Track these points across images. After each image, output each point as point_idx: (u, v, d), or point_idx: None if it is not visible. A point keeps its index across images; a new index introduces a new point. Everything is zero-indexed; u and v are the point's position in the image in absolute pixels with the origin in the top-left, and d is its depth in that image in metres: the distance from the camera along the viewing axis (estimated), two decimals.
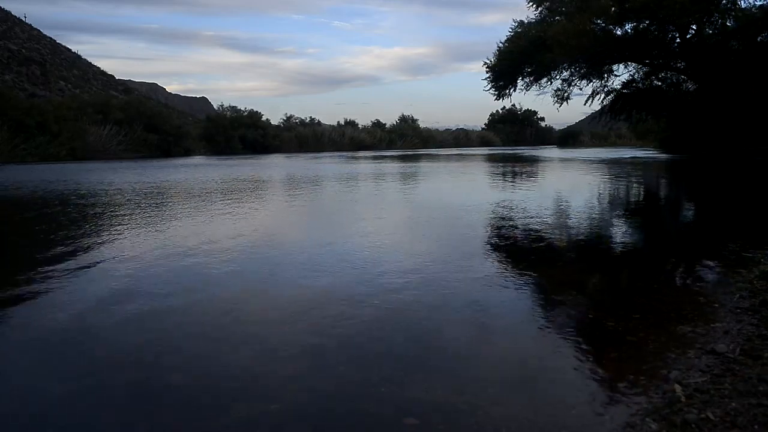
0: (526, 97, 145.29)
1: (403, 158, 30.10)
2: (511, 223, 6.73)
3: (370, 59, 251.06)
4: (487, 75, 30.18)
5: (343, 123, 58.93)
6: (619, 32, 24.95)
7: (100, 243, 5.45)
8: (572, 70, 27.93)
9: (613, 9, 22.83)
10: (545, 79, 29.04)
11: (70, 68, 65.40)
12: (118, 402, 2.14)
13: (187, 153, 40.07)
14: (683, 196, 10.88)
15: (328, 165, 23.06)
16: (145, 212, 7.77)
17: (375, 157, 31.49)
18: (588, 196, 10.17)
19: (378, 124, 62.14)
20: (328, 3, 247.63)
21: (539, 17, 27.54)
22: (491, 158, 27.99)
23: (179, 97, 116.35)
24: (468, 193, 11.00)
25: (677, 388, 2.09)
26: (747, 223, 6.63)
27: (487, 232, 6.15)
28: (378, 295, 3.46)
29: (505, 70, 29.10)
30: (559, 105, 29.84)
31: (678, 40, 25.57)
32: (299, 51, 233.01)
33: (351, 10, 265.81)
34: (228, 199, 9.51)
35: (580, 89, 29.96)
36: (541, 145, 65.83)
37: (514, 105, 71.89)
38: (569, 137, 64.37)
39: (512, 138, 71.26)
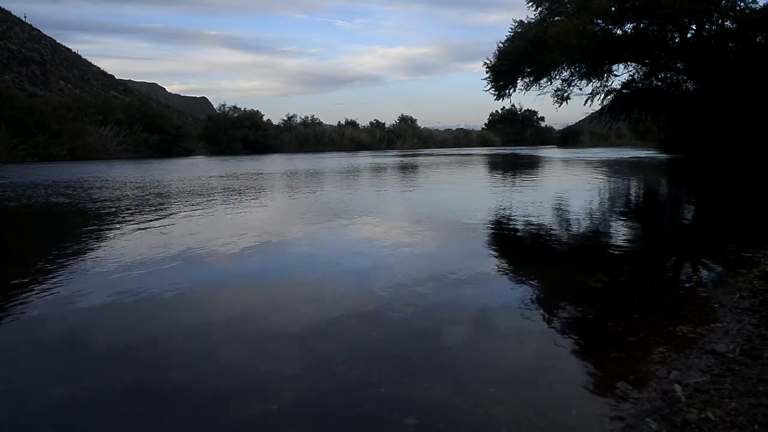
0: (526, 97, 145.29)
1: (402, 159, 30.10)
2: (510, 221, 6.75)
3: (373, 59, 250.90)
4: (487, 75, 30.21)
5: (343, 123, 58.93)
6: (619, 32, 24.96)
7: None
8: (572, 70, 27.94)
9: (613, 9, 22.84)
10: (545, 79, 29.05)
11: (70, 68, 65.43)
12: (117, 401, 2.14)
13: (187, 153, 40.07)
14: (683, 197, 10.88)
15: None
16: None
17: (374, 158, 31.51)
18: (588, 196, 10.17)
19: (377, 124, 62.12)
20: (332, 2, 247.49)
21: (539, 17, 27.56)
22: (491, 162, 27.90)
23: (179, 97, 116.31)
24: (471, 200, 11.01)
25: (677, 388, 2.09)
26: (747, 223, 6.63)
27: (486, 231, 6.15)
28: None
29: (505, 70, 29.09)
30: (559, 105, 29.87)
31: (678, 40, 25.58)
32: (301, 50, 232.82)
33: (354, 9, 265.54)
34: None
35: (580, 89, 29.92)
36: (541, 144, 65.81)
37: (514, 105, 71.91)
38: (569, 137, 64.25)
39: (512, 138, 71.23)
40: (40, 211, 8.46)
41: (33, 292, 3.63)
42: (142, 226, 6.55)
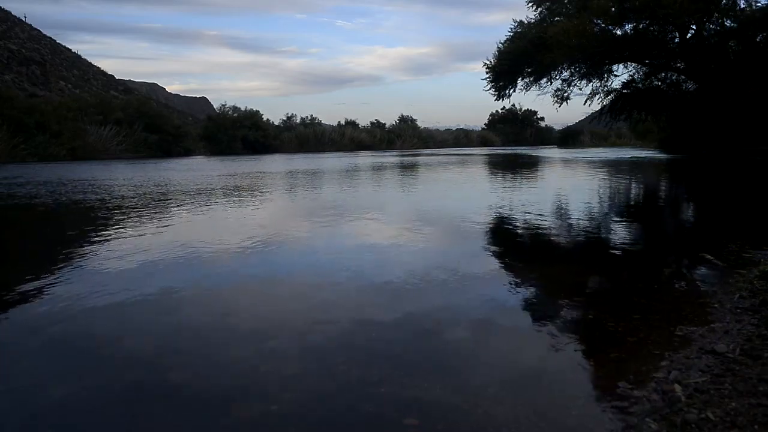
0: (526, 97, 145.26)
1: (403, 159, 30.10)
2: (511, 221, 6.75)
3: (373, 59, 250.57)
4: (487, 75, 30.20)
5: (343, 123, 58.92)
6: (619, 32, 24.95)
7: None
8: (572, 70, 27.92)
9: (613, 9, 22.83)
10: (545, 79, 29.03)
11: (70, 68, 65.38)
12: (117, 401, 2.14)
13: (187, 153, 40.07)
14: (683, 197, 10.88)
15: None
16: None
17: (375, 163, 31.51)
18: (588, 196, 10.17)
19: (378, 124, 62.12)
20: (332, 2, 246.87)
21: (539, 17, 27.55)
22: (492, 162, 27.91)
23: (179, 97, 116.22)
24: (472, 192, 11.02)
25: (677, 388, 2.09)
26: (747, 223, 6.63)
27: (487, 231, 6.16)
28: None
29: (505, 71, 29.08)
30: (558, 105, 29.86)
31: (678, 40, 25.57)
32: (301, 50, 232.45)
33: (354, 9, 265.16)
34: None
35: (580, 89, 29.90)
36: (541, 144, 65.81)
37: (514, 105, 71.91)
38: (569, 137, 64.24)
39: (512, 138, 71.21)
40: (75, 208, 8.70)
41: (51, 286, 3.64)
42: (156, 223, 6.63)
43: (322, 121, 58.05)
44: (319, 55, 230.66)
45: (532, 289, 3.74)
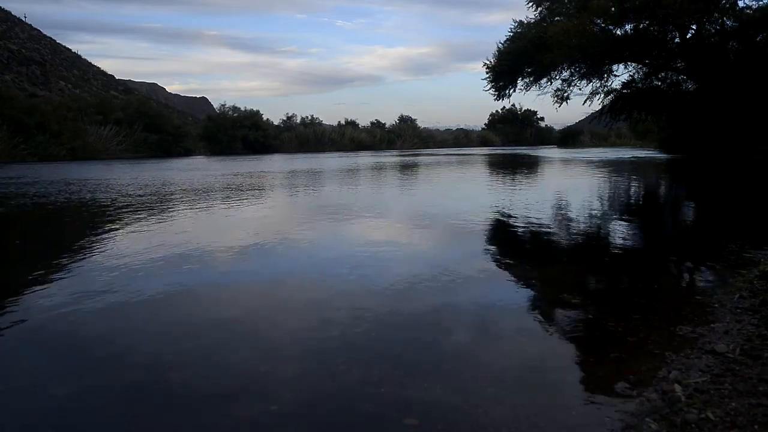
0: (526, 97, 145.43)
1: (404, 159, 30.09)
2: (511, 220, 6.75)
3: (373, 59, 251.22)
4: (487, 75, 30.21)
5: (343, 123, 58.92)
6: (619, 32, 24.95)
7: None
8: (572, 70, 27.93)
9: (613, 9, 22.83)
10: (545, 79, 29.04)
11: (70, 68, 65.38)
12: (117, 401, 2.14)
13: (187, 153, 40.09)
14: (683, 197, 10.88)
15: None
16: None
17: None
18: (588, 196, 10.17)
19: (378, 124, 62.14)
20: (332, 2, 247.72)
21: (539, 17, 27.55)
22: (492, 162, 27.91)
23: (179, 97, 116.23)
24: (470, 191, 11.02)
25: (677, 388, 2.09)
26: (747, 223, 6.63)
27: (488, 230, 6.16)
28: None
29: (504, 71, 29.09)
30: (558, 105, 29.87)
31: (678, 40, 25.58)
32: (301, 50, 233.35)
33: (354, 9, 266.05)
34: None
35: (580, 89, 29.97)
36: (541, 144, 65.82)
37: (513, 105, 72.00)
38: (569, 137, 64.25)
39: (512, 138, 71.25)
40: (87, 207, 8.79)
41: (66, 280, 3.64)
42: (167, 223, 6.62)
43: (322, 121, 58.11)
44: (319, 55, 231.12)
45: (532, 289, 3.74)
